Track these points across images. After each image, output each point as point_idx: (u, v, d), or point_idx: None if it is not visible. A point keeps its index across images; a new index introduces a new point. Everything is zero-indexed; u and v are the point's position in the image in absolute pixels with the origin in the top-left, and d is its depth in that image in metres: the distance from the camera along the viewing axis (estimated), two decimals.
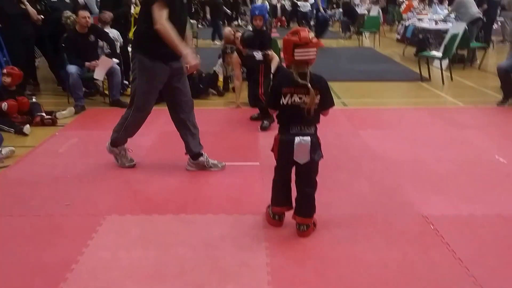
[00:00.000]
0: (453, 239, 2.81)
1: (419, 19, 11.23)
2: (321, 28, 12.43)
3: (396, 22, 14.72)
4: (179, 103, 3.73)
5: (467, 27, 8.38)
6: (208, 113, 5.60)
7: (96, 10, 8.03)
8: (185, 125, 3.78)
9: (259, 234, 2.87)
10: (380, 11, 14.20)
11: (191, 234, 2.87)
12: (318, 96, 2.67)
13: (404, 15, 13.65)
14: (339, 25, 16.23)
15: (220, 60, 6.60)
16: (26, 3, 6.23)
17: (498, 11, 11.39)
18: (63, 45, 5.98)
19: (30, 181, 3.68)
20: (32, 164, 4.05)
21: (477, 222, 3.05)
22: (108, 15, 6.56)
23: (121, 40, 6.65)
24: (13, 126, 4.91)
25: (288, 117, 2.72)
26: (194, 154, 3.82)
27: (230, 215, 3.11)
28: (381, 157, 4.19)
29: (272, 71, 5.05)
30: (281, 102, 2.69)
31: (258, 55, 5.07)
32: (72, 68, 5.73)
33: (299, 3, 15.62)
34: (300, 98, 2.65)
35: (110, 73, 5.87)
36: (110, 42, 6.19)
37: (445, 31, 9.08)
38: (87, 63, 5.83)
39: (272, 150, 2.87)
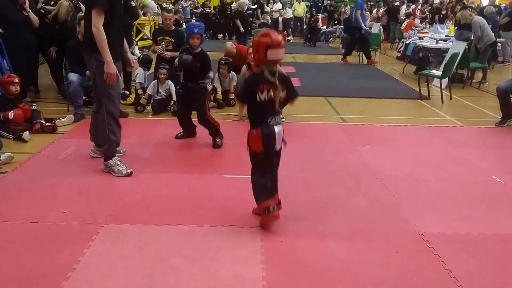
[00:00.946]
0: (449, 257, 2.81)
1: (420, 38, 11.33)
2: (365, 46, 11.86)
3: (397, 40, 14.83)
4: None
5: (482, 49, 8.43)
6: None
7: None
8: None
9: (256, 247, 2.87)
10: (382, 28, 14.32)
11: (187, 245, 2.87)
12: (285, 91, 2.99)
13: (405, 33, 13.77)
14: (339, 41, 16.37)
15: (217, 74, 6.64)
16: (29, 10, 6.29)
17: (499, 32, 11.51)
18: (66, 53, 6.03)
19: (29, 188, 3.68)
20: (31, 171, 4.05)
21: (474, 241, 3.05)
22: None
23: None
24: (13, 133, 4.92)
25: (265, 110, 2.99)
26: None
27: (227, 227, 3.11)
28: (379, 173, 4.20)
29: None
30: (258, 98, 2.95)
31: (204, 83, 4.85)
32: (73, 76, 5.76)
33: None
34: (273, 93, 2.95)
35: None
36: None
37: (446, 50, 9.16)
38: (88, 72, 5.85)
39: (251, 146, 3.03)
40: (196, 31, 4.86)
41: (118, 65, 3.95)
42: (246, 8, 14.21)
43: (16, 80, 5.27)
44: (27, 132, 4.93)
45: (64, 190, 3.67)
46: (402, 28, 14.49)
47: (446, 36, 11.54)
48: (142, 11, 11.82)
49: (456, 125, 6.13)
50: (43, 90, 7.05)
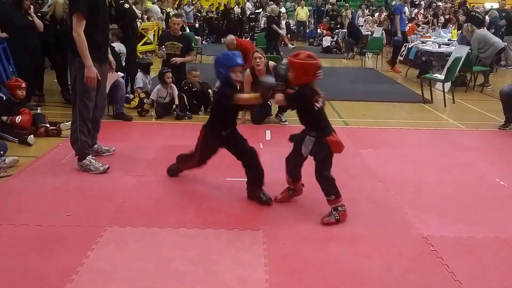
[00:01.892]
0: (452, 260, 2.81)
1: (423, 42, 11.33)
2: (394, 52, 11.51)
3: None
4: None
5: (487, 58, 8.45)
6: None
7: None
8: (94, 120, 4.22)
9: (259, 250, 2.88)
10: (384, 32, 14.34)
11: (190, 248, 2.88)
12: None
13: (408, 37, 13.77)
14: (342, 45, 16.38)
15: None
16: (33, 15, 6.33)
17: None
18: None
19: (33, 191, 3.70)
20: (35, 174, 4.07)
21: (477, 244, 3.05)
22: (119, 30, 6.66)
23: (125, 52, 6.74)
24: (18, 136, 4.95)
25: (324, 115, 3.28)
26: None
27: (230, 230, 3.12)
28: (382, 177, 4.20)
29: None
30: (316, 108, 3.18)
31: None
32: None
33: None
34: (323, 101, 3.27)
35: (114, 86, 5.92)
36: (116, 55, 6.26)
37: (448, 54, 9.16)
38: None
39: (335, 150, 3.25)
40: (240, 62, 3.45)
41: (103, 68, 4.10)
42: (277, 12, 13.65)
43: (23, 85, 5.32)
44: (32, 135, 4.96)
45: (68, 193, 3.68)
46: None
47: (449, 40, 11.56)
48: (146, 16, 11.85)
49: (459, 129, 6.13)
50: (48, 94, 7.09)
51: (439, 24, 16.08)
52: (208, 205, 3.57)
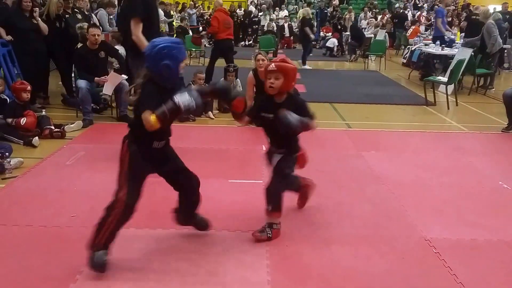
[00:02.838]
0: (455, 263, 2.82)
1: (426, 44, 11.33)
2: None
3: (402, 46, 14.85)
4: None
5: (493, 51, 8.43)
6: (212, 130, 5.68)
7: (108, 27, 8.20)
8: None
9: (261, 251, 2.89)
10: (387, 35, 14.35)
11: (193, 249, 2.90)
12: None
13: (411, 40, 13.78)
14: (345, 47, 16.39)
15: (222, 79, 6.67)
16: (38, 18, 6.38)
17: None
18: (75, 60, 6.11)
19: (37, 192, 3.73)
20: (40, 176, 4.10)
21: (480, 247, 3.06)
22: (119, 34, 6.70)
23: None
24: (23, 138, 4.99)
25: None
26: None
27: (232, 232, 3.13)
28: (384, 179, 4.21)
29: None
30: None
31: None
32: (82, 83, 5.82)
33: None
34: None
35: (118, 89, 5.95)
36: (120, 58, 6.30)
37: (451, 57, 9.16)
38: (96, 78, 5.92)
39: (305, 163, 3.06)
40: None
41: None
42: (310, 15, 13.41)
43: (29, 87, 5.36)
44: (37, 137, 5.00)
45: (72, 194, 3.71)
46: (408, 34, 14.51)
47: (450, 38, 11.51)
48: None
49: (462, 131, 6.13)
50: (52, 96, 7.12)
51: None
52: (210, 206, 3.57)
